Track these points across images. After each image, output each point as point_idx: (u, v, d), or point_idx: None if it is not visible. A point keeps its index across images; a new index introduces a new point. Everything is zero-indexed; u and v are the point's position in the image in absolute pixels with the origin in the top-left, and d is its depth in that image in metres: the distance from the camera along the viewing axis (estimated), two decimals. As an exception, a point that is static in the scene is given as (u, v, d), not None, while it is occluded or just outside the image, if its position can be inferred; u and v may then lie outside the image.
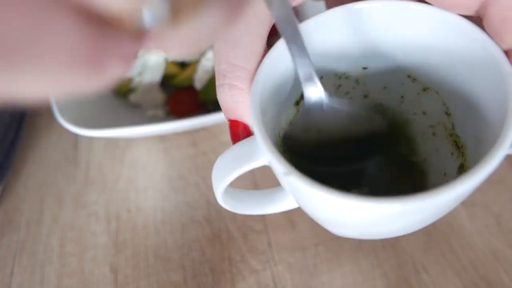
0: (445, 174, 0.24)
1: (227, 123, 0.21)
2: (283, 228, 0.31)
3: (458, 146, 0.23)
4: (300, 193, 0.18)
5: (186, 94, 0.40)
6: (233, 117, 0.21)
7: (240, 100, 0.20)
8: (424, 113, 0.26)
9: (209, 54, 0.39)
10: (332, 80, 0.25)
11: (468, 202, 0.32)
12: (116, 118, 0.36)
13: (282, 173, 0.17)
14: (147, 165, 0.36)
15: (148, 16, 0.08)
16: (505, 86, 0.18)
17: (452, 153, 0.24)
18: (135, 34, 0.09)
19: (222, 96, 0.20)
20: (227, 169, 0.20)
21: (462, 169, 0.22)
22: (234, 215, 0.32)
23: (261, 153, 0.19)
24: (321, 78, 0.24)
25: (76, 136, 0.38)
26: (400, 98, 0.26)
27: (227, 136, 0.37)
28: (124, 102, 0.40)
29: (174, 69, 0.40)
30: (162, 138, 0.37)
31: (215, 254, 0.30)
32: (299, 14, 0.42)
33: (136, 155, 0.36)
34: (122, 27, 0.09)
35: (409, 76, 0.25)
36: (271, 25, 0.20)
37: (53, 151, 0.37)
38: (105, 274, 0.29)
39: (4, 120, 0.36)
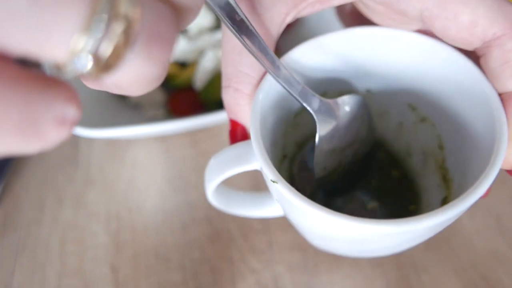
0: (429, 204, 0.25)
1: (228, 122, 0.22)
2: (283, 228, 0.31)
3: (445, 179, 0.24)
4: (285, 201, 0.18)
5: (186, 94, 0.40)
6: (234, 118, 0.21)
7: (242, 103, 0.21)
8: (418, 144, 0.26)
9: (209, 55, 0.39)
10: (335, 97, 0.26)
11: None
12: (116, 118, 0.36)
13: (271, 180, 0.18)
14: (147, 165, 0.36)
15: (77, 66, 0.10)
16: (495, 128, 0.18)
17: (438, 185, 0.25)
18: (70, 94, 0.10)
19: (227, 97, 0.21)
20: (220, 168, 0.21)
21: (446, 202, 0.23)
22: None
23: (255, 158, 0.20)
24: (324, 94, 0.25)
25: (76, 136, 0.38)
26: (399, 126, 0.27)
27: (227, 136, 0.37)
28: (124, 102, 0.40)
29: (174, 69, 0.40)
30: (162, 138, 0.37)
31: (216, 253, 0.30)
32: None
33: (137, 155, 0.36)
34: (57, 77, 0.10)
35: (409, 105, 0.25)
36: (280, 33, 0.21)
37: (53, 151, 0.37)
38: (106, 274, 0.29)
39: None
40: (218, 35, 0.41)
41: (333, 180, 0.25)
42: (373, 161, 0.27)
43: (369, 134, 0.25)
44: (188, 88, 0.40)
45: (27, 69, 0.09)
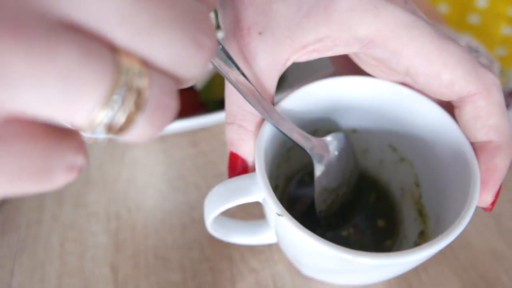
0: (406, 236, 0.27)
1: (228, 156, 0.24)
2: (283, 228, 0.31)
3: (421, 214, 0.26)
4: (287, 232, 0.20)
5: (186, 94, 0.40)
6: (235, 151, 0.23)
7: (246, 139, 0.22)
8: (397, 180, 0.29)
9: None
10: (324, 135, 0.28)
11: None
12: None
13: (275, 212, 0.19)
14: (147, 165, 0.36)
15: (93, 134, 0.11)
16: (469, 176, 0.21)
17: (415, 219, 0.27)
18: (80, 144, 0.12)
19: (231, 132, 0.23)
20: (221, 199, 0.22)
21: (423, 235, 0.25)
22: (234, 215, 0.32)
23: (257, 191, 0.21)
24: (315, 131, 0.28)
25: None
26: (379, 163, 0.30)
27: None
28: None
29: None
30: (162, 138, 0.38)
31: (215, 253, 0.30)
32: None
33: (136, 155, 0.36)
34: (75, 135, 0.12)
35: (390, 146, 0.28)
36: (281, 73, 0.22)
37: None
38: (105, 273, 0.29)
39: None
40: (218, 35, 0.41)
41: (331, 214, 0.26)
42: (361, 194, 0.29)
43: (355, 166, 0.27)
44: (188, 88, 0.40)
45: (45, 123, 0.11)
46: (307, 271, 0.26)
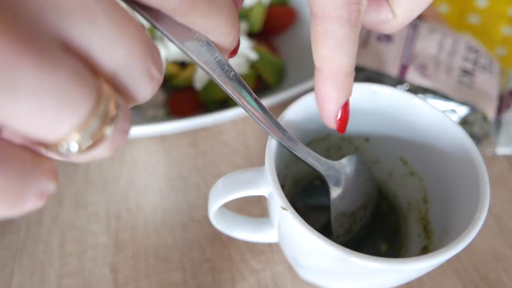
0: (408, 251, 0.27)
1: None
2: (283, 228, 0.31)
3: (426, 230, 0.26)
4: (291, 227, 0.20)
5: (186, 94, 0.40)
6: None
7: None
8: (404, 194, 0.29)
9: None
10: (336, 141, 0.28)
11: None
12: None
13: (280, 206, 0.19)
14: (147, 165, 0.36)
15: (63, 152, 0.11)
16: (478, 189, 0.20)
17: (419, 235, 0.27)
18: (53, 170, 0.12)
19: None
20: (227, 190, 0.22)
21: (425, 251, 0.25)
22: (234, 215, 0.32)
23: (264, 184, 0.21)
24: (327, 136, 0.27)
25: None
26: (388, 175, 0.29)
27: (227, 136, 0.37)
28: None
29: (174, 69, 0.40)
30: (162, 138, 0.37)
31: (215, 254, 0.30)
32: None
33: (136, 155, 0.36)
34: (45, 153, 0.12)
35: (401, 158, 0.28)
36: None
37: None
38: (105, 274, 0.29)
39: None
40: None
41: (350, 236, 0.26)
42: (381, 217, 0.29)
43: (374, 189, 0.27)
44: (188, 88, 0.40)
45: (22, 146, 0.11)
46: (305, 273, 0.26)
